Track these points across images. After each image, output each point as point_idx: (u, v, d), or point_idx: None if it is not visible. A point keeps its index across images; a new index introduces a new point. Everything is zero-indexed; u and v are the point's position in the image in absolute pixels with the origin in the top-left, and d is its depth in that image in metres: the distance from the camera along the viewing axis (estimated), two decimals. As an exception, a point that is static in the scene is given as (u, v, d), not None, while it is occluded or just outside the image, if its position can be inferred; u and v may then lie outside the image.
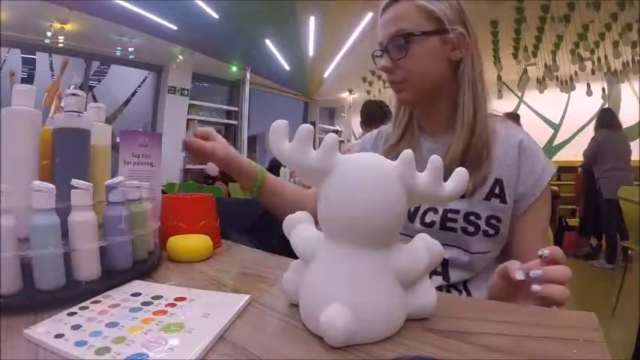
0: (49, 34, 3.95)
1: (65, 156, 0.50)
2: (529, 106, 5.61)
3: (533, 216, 0.64)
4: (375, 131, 0.84)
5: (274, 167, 5.63)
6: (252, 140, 7.00)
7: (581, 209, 4.07)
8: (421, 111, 0.72)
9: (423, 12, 0.63)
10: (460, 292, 0.65)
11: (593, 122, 5.05)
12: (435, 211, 0.65)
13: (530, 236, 0.64)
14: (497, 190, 0.63)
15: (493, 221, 0.63)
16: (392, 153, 0.70)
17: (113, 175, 0.53)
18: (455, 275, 0.64)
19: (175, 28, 4.19)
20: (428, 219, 0.65)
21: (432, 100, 0.68)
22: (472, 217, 0.63)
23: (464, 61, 0.65)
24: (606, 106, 4.56)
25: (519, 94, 5.54)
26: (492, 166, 0.64)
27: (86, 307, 0.38)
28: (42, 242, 0.39)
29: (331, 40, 4.44)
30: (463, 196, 0.63)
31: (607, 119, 3.36)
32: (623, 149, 3.22)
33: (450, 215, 0.63)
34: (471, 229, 0.63)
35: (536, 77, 4.41)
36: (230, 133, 6.19)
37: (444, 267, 0.65)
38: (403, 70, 0.65)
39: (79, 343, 0.30)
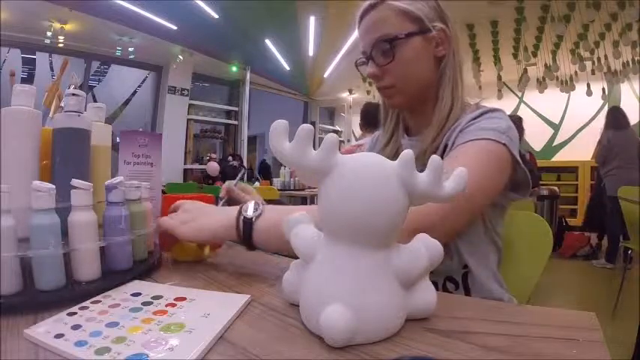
0: (49, 34, 3.95)
1: (65, 156, 0.50)
2: (529, 106, 5.61)
3: (445, 159, 0.59)
4: (373, 135, 0.86)
5: (265, 168, 5.65)
6: (252, 140, 7.00)
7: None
8: (409, 112, 0.73)
9: (402, 14, 0.63)
10: (457, 285, 0.64)
11: (594, 122, 5.08)
12: None
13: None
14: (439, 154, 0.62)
15: None
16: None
17: (113, 175, 0.53)
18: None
19: (175, 28, 4.19)
20: None
21: (421, 100, 0.68)
22: None
23: (446, 58, 0.66)
24: (606, 106, 4.56)
25: (519, 94, 5.54)
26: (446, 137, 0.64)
27: (86, 307, 0.38)
28: (42, 242, 0.39)
29: (331, 40, 4.44)
30: None
31: (614, 119, 3.32)
32: (631, 147, 3.19)
33: None
34: None
35: (536, 77, 4.42)
36: (230, 133, 6.19)
37: None
38: (391, 75, 0.66)
39: (79, 343, 0.30)
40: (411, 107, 0.70)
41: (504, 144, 0.58)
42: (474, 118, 0.62)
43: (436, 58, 0.66)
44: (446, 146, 0.63)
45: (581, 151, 5.05)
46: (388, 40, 0.63)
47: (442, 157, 0.61)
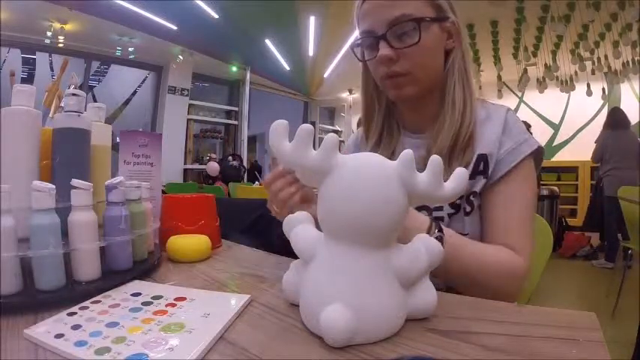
0: (49, 34, 3.95)
1: (65, 156, 0.51)
2: (529, 106, 5.61)
3: (506, 189, 0.59)
4: (354, 135, 0.80)
5: (257, 168, 5.65)
6: (252, 140, 7.00)
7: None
8: (410, 106, 0.67)
9: None
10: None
11: (594, 122, 5.08)
12: (427, 209, 0.61)
13: (501, 211, 0.59)
14: (481, 167, 0.60)
15: (471, 197, 0.60)
16: None
17: (113, 175, 0.53)
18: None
19: (175, 28, 4.19)
20: None
21: (427, 93, 0.63)
22: (457, 201, 0.60)
23: (455, 51, 0.63)
24: (606, 106, 4.56)
25: (519, 94, 5.54)
26: (474, 146, 0.61)
27: (86, 307, 0.38)
28: (42, 242, 0.39)
29: (331, 40, 4.43)
30: None
31: (613, 119, 3.31)
32: (629, 148, 3.18)
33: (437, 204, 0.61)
34: (453, 211, 0.61)
35: (536, 77, 4.42)
36: (230, 133, 6.19)
37: None
38: (408, 61, 0.59)
39: (79, 343, 0.30)
40: (418, 100, 0.64)
41: (539, 146, 0.61)
42: (505, 120, 0.61)
43: (445, 50, 0.63)
44: (481, 157, 0.60)
45: (581, 151, 5.04)
46: (416, 20, 0.56)
47: (477, 170, 0.59)
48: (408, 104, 0.67)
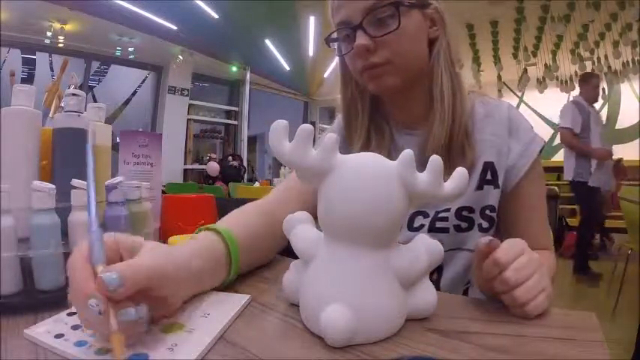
0: (49, 34, 3.95)
1: (65, 156, 0.51)
2: (529, 106, 5.61)
3: (524, 192, 0.59)
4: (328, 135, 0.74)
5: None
6: (252, 140, 7.00)
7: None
8: (396, 100, 0.63)
9: None
10: None
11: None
12: (425, 215, 0.59)
13: (524, 215, 0.60)
14: (489, 176, 0.58)
15: (487, 211, 0.58)
16: None
17: (113, 175, 0.53)
18: (450, 281, 0.60)
19: (175, 28, 4.20)
20: (416, 223, 0.60)
21: (412, 85, 0.59)
22: (465, 212, 0.58)
23: (439, 40, 0.58)
24: (607, 106, 4.56)
25: (519, 94, 5.54)
26: (478, 150, 0.58)
27: (86, 307, 0.38)
28: (42, 242, 0.39)
29: (331, 40, 4.44)
30: None
31: None
32: None
33: (440, 215, 0.58)
34: (464, 225, 0.58)
35: (536, 77, 4.42)
36: (230, 133, 6.20)
37: (438, 273, 0.60)
38: (387, 49, 0.54)
39: (79, 343, 0.30)
40: (403, 94, 0.60)
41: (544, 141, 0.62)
42: (508, 120, 0.60)
43: (429, 39, 0.58)
44: (487, 165, 0.58)
45: (581, 151, 5.03)
46: (394, 4, 0.53)
47: (484, 179, 0.58)
48: (394, 100, 0.63)
